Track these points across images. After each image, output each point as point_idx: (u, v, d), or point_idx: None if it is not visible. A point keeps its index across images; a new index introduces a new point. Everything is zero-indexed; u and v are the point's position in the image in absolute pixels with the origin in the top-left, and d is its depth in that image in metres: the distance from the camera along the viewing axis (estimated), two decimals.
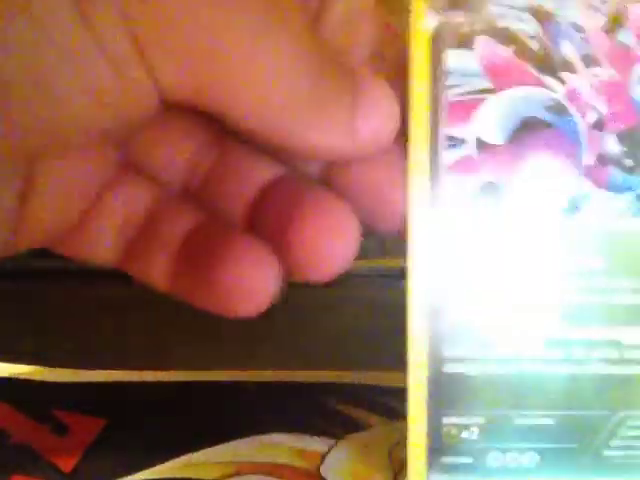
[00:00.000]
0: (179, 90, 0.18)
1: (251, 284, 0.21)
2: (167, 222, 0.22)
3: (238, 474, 0.27)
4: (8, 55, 0.16)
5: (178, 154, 0.23)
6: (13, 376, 0.31)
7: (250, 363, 0.32)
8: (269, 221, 0.22)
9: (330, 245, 0.21)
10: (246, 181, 0.22)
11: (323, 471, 0.27)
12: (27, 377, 0.31)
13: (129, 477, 0.27)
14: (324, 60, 0.19)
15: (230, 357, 0.33)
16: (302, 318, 0.37)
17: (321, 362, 0.32)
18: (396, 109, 0.21)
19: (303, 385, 0.31)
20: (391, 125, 0.21)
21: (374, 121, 0.20)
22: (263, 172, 0.22)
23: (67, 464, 0.27)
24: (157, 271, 0.22)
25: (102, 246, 0.22)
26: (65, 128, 0.18)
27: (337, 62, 0.20)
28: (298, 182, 0.22)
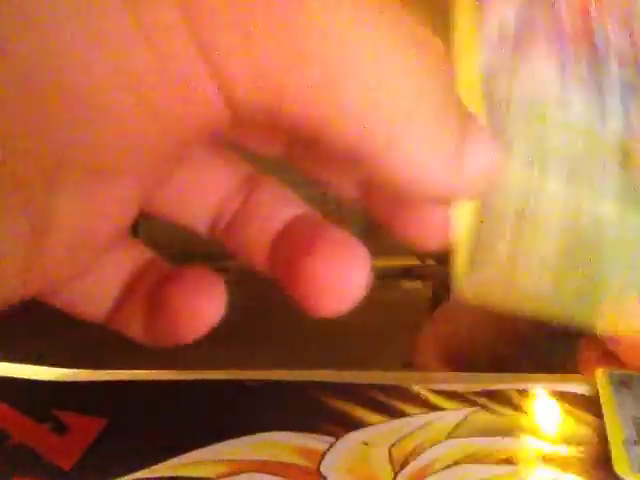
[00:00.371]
0: (252, 89, 0.15)
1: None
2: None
3: (238, 472, 0.27)
4: (53, 64, 0.14)
5: (208, 200, 0.22)
6: (13, 376, 0.31)
7: (250, 363, 0.32)
8: (284, 257, 0.21)
9: (340, 280, 0.20)
10: (269, 222, 0.21)
11: (323, 469, 0.27)
12: (27, 377, 0.31)
13: (129, 476, 0.27)
14: (433, 82, 0.17)
15: (230, 357, 0.33)
16: (302, 318, 0.37)
17: (321, 362, 0.33)
18: (496, 156, 0.19)
19: (303, 383, 0.31)
20: (494, 168, 0.19)
21: (480, 159, 0.18)
22: (285, 212, 0.21)
23: (67, 463, 0.27)
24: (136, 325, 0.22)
25: (100, 300, 0.22)
26: (109, 144, 0.15)
27: (444, 88, 0.17)
28: (313, 219, 0.21)
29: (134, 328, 0.22)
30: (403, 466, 0.27)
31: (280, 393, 0.30)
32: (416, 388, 0.31)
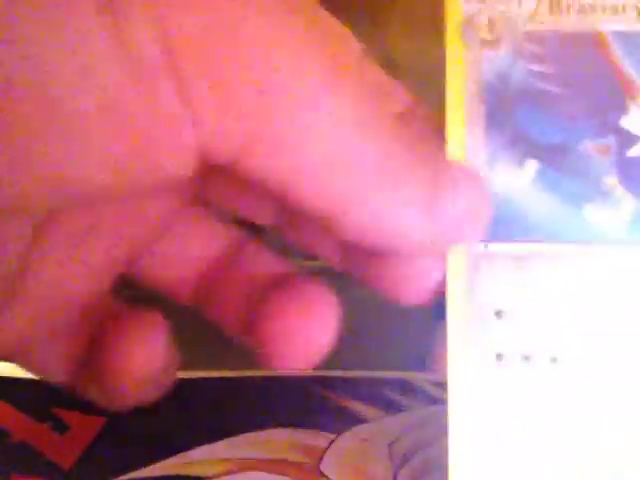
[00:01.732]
0: (223, 142, 0.15)
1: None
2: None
3: (238, 470, 0.27)
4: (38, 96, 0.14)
5: (190, 270, 0.22)
6: (13, 375, 0.31)
7: (250, 361, 0.32)
8: (254, 320, 0.21)
9: (304, 333, 0.19)
10: (246, 290, 0.21)
11: (323, 466, 0.27)
12: (27, 376, 0.31)
13: (129, 475, 0.27)
14: (397, 127, 0.17)
15: (230, 357, 0.33)
16: None
17: (321, 362, 0.32)
18: (486, 193, 0.18)
19: (302, 379, 0.31)
20: (480, 209, 0.18)
21: (460, 203, 0.17)
22: (264, 276, 0.21)
23: (67, 462, 0.27)
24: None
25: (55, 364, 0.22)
26: (91, 180, 0.15)
27: (411, 133, 0.17)
28: (289, 280, 0.21)
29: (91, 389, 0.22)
30: (403, 463, 0.27)
31: (279, 389, 0.30)
32: (416, 381, 0.31)
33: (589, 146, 0.20)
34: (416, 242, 0.17)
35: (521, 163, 0.20)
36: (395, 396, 0.30)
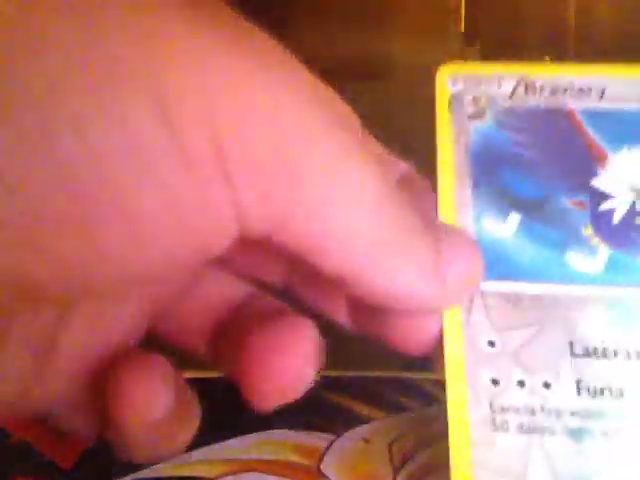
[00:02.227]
0: (261, 217, 0.16)
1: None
2: None
3: (238, 472, 0.27)
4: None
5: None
6: None
7: None
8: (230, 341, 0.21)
9: (282, 365, 0.20)
10: (217, 304, 0.22)
11: (323, 467, 0.27)
12: None
13: (129, 476, 0.27)
14: (403, 197, 0.18)
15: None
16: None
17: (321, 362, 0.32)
18: (480, 257, 0.20)
19: None
20: (477, 271, 0.20)
21: (459, 266, 0.19)
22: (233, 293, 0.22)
23: (67, 463, 0.27)
24: None
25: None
26: (149, 267, 0.16)
27: (412, 198, 0.19)
28: (263, 300, 0.22)
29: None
30: (403, 463, 0.27)
31: None
32: (416, 381, 0.31)
33: (566, 201, 0.22)
34: (421, 301, 0.19)
35: (505, 216, 0.22)
36: (395, 396, 0.30)
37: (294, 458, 0.27)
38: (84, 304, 0.19)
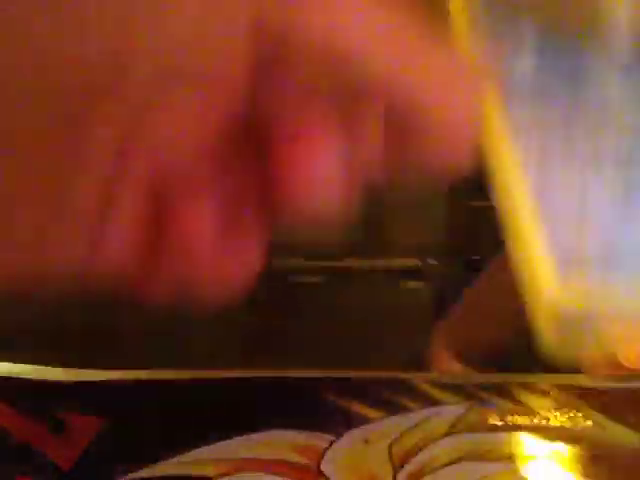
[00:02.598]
0: (278, 12, 0.17)
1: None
2: None
3: (238, 471, 0.27)
4: None
5: None
6: (13, 375, 0.31)
7: (250, 364, 0.32)
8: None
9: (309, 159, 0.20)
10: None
11: (323, 466, 0.27)
12: (27, 377, 0.31)
13: (128, 475, 0.27)
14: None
15: (229, 358, 0.33)
16: (302, 318, 0.37)
17: (321, 362, 0.33)
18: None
19: (303, 381, 0.31)
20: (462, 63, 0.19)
21: (452, 54, 0.19)
22: None
23: (66, 463, 0.27)
24: None
25: None
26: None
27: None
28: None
29: None
30: (402, 464, 0.27)
31: (280, 391, 0.30)
32: (415, 381, 0.31)
33: None
34: (422, 85, 0.18)
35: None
36: (395, 396, 0.30)
37: (294, 458, 0.27)
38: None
